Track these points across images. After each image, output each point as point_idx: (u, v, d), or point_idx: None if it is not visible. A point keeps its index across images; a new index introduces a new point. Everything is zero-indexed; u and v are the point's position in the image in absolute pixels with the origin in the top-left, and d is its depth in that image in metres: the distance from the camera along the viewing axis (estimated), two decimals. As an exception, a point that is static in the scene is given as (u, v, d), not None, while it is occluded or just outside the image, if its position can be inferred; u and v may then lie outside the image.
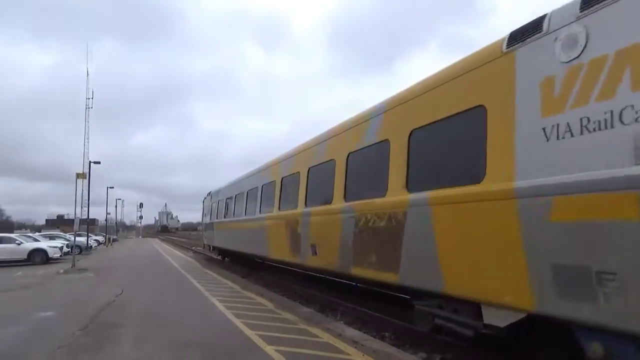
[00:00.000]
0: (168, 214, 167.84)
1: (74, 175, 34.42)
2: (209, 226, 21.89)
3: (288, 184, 10.19)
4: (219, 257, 21.55)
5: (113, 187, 53.40)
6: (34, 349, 5.65)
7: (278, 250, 10.63)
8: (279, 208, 10.54)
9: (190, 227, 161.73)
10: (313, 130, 10.93)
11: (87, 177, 35.33)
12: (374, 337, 6.25)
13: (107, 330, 6.59)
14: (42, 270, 17.60)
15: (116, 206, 76.39)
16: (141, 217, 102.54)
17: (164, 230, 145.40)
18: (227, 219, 17.22)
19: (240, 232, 14.65)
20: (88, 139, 49.04)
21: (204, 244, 25.91)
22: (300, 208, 9.05)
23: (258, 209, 12.39)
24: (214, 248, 21.38)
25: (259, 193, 12.49)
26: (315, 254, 8.23)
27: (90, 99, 50.20)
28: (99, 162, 36.18)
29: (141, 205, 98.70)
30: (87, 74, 51.55)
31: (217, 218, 19.61)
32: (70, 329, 6.63)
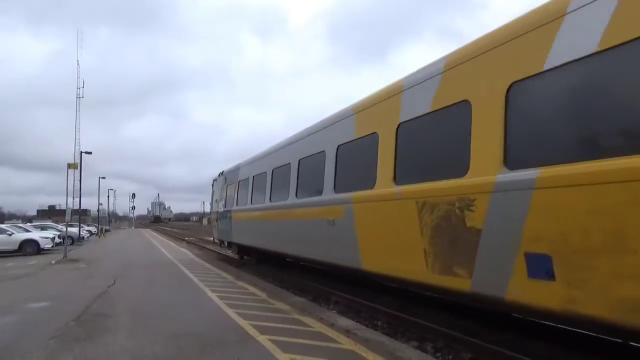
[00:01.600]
0: (161, 205, 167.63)
1: (66, 166, 34.33)
2: (224, 216, 16.52)
3: (415, 136, 5.77)
4: (237, 257, 16.57)
5: (105, 178, 53.38)
6: (27, 339, 5.64)
7: (388, 258, 6.18)
8: (395, 180, 5.98)
9: (182, 218, 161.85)
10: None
11: (79, 167, 35.14)
12: (367, 327, 6.33)
13: (100, 320, 6.59)
14: (33, 261, 17.53)
15: (108, 196, 76.32)
16: (134, 208, 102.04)
17: (157, 220, 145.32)
18: (256, 205, 12.24)
19: (283, 225, 10.23)
20: (79, 129, 48.78)
21: (214, 239, 20.91)
22: (489, 174, 4.39)
23: (330, 187, 7.76)
24: (231, 244, 16.66)
25: (330, 162, 7.90)
26: (551, 277, 3.76)
27: (81, 89, 49.80)
28: (90, 153, 36.18)
29: (134, 195, 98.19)
30: (78, 63, 51.08)
31: (236, 205, 14.65)
32: (63, 319, 6.63)
